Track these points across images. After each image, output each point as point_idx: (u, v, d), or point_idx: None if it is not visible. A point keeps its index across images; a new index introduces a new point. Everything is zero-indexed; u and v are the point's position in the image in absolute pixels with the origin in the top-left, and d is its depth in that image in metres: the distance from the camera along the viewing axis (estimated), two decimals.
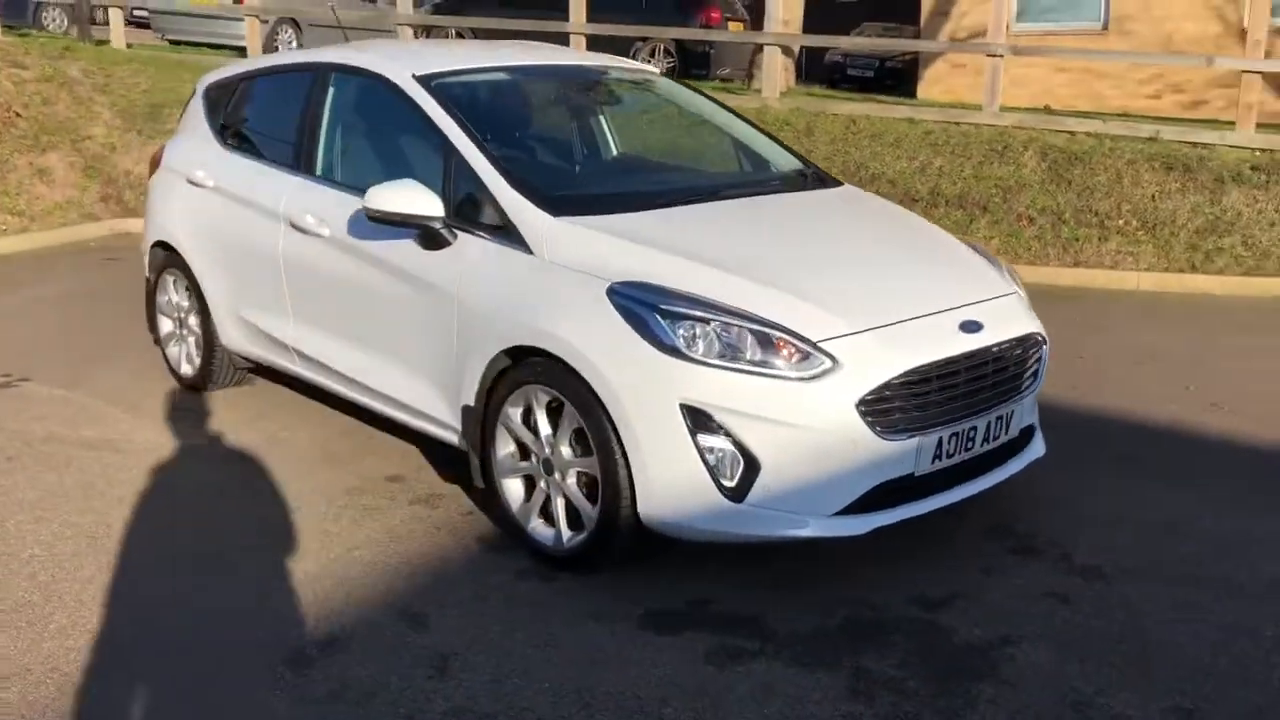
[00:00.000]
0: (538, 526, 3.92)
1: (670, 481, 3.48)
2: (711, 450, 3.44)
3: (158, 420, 5.35)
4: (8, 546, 4.02)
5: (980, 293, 3.93)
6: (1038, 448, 4.14)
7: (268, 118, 5.33)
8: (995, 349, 3.75)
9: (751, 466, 3.43)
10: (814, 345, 3.45)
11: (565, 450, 3.75)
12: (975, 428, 3.72)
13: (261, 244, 4.95)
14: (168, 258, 5.70)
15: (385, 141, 4.75)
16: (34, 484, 4.57)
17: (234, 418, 5.36)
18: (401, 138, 4.60)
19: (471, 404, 4.02)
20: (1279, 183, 8.82)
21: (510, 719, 3.02)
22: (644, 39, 13.77)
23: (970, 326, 3.71)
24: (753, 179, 4.67)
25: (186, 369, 5.76)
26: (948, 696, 3.11)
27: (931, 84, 17.61)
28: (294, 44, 15.94)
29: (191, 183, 5.47)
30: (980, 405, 3.72)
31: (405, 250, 4.21)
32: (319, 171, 4.79)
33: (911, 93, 17.47)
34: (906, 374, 3.49)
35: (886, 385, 3.45)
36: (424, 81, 4.47)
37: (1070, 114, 11.33)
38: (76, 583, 3.76)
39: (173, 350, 5.85)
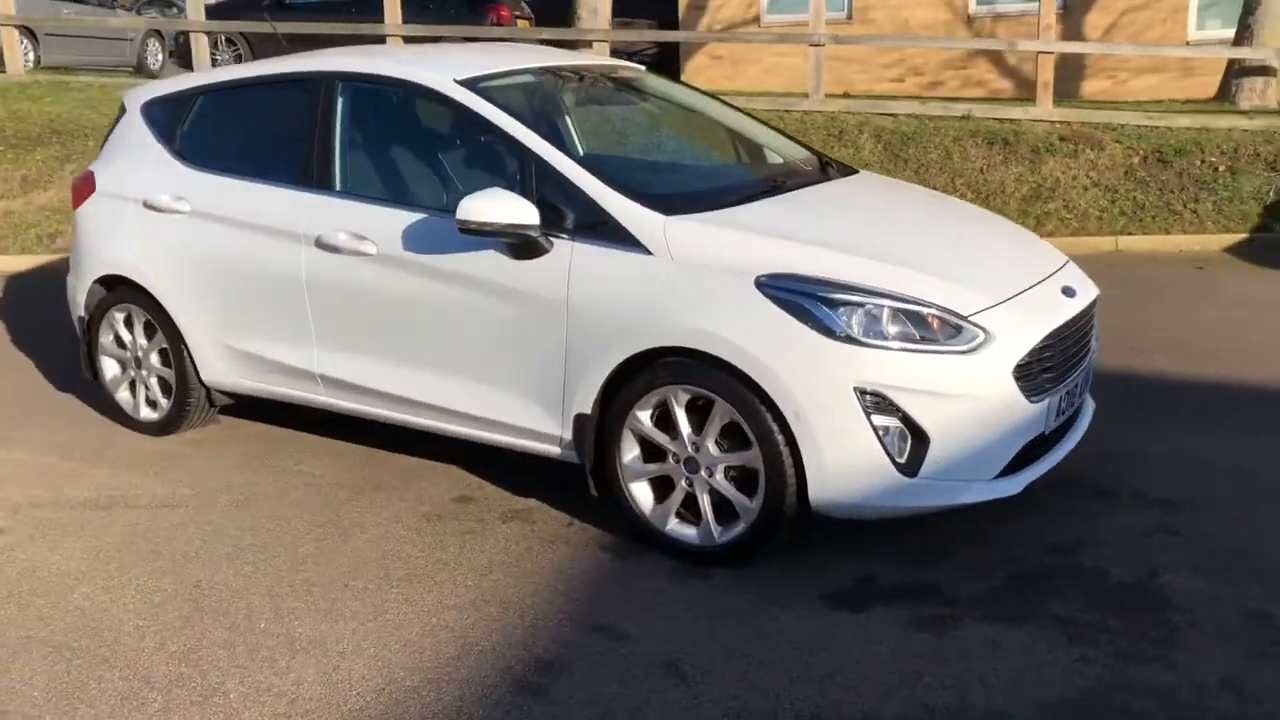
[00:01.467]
0: (676, 526, 3.92)
1: (846, 464, 3.59)
2: (884, 429, 3.57)
3: (147, 471, 4.90)
4: (103, 622, 3.62)
5: (1056, 261, 4.25)
6: (1091, 402, 4.51)
7: (253, 134, 4.97)
8: (1086, 310, 4.07)
9: (921, 440, 3.59)
10: (965, 319, 3.64)
11: (711, 447, 3.78)
12: (1076, 384, 4.03)
13: (271, 267, 4.64)
14: (118, 293, 5.21)
15: (430, 151, 4.56)
16: (69, 554, 4.12)
17: (231, 458, 4.99)
18: (451, 146, 4.44)
19: (588, 411, 3.96)
20: (1085, 151, 9.81)
21: (795, 712, 3.05)
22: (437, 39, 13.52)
23: (1068, 291, 4.02)
24: (798, 169, 4.78)
25: (148, 413, 5.29)
26: (1153, 628, 3.39)
27: (693, 75, 18.19)
28: (30, 55, 14.60)
29: (151, 208, 5.02)
30: (1075, 364, 4.04)
31: (489, 261, 4.08)
32: (346, 187, 4.53)
33: None
34: (1045, 339, 3.75)
35: (1032, 351, 3.70)
36: (469, 86, 4.33)
37: (889, 97, 12.08)
38: (216, 646, 3.45)
39: (124, 395, 5.36)
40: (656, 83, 5.33)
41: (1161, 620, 3.44)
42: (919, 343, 3.59)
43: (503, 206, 3.91)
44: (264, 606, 3.69)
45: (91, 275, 5.27)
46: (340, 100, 4.59)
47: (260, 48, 14.04)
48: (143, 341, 5.22)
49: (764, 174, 4.65)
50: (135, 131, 5.25)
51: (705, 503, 3.84)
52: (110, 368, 5.40)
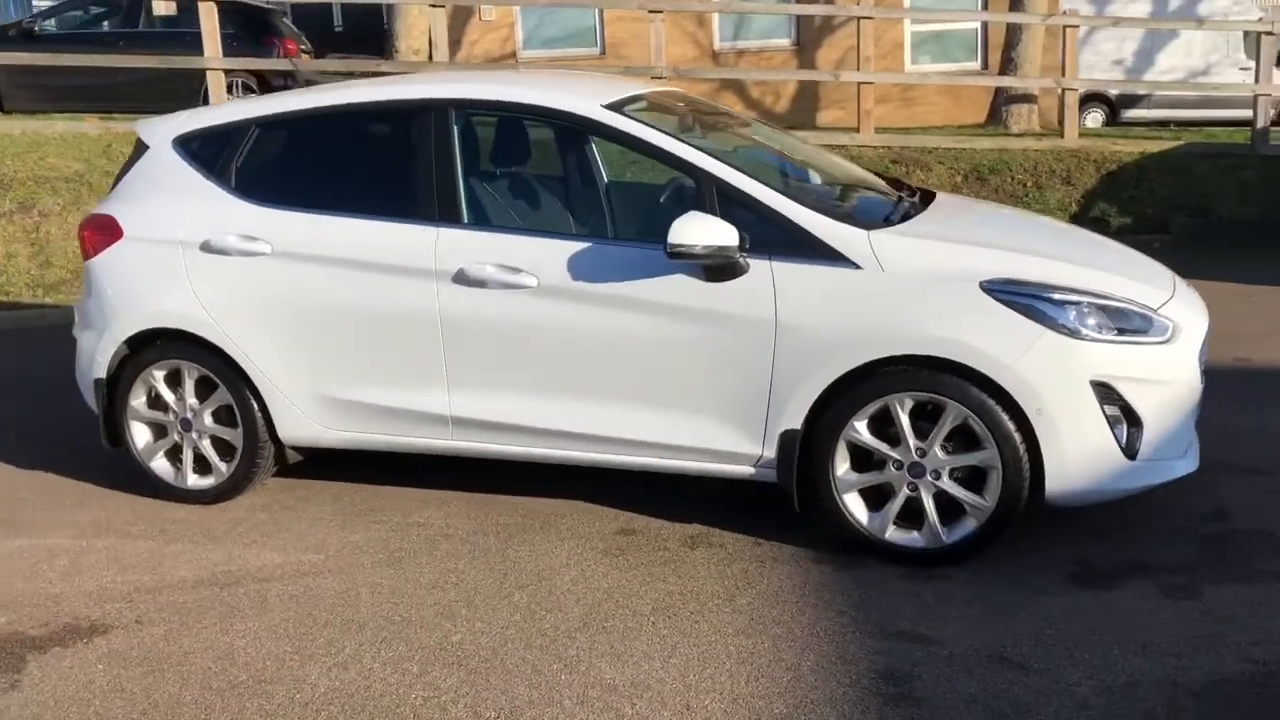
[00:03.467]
0: (895, 533, 4.02)
1: (1083, 454, 3.84)
2: (1112, 418, 3.85)
3: (240, 541, 4.43)
4: (380, 700, 3.28)
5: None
6: None
7: (341, 166, 4.60)
8: None
9: (1137, 425, 3.90)
10: (1155, 312, 3.99)
11: (938, 451, 3.92)
12: None
13: (391, 306, 4.34)
14: (159, 348, 4.68)
15: (581, 178, 4.40)
16: (250, 635, 3.68)
17: (323, 519, 4.61)
18: (604, 172, 4.32)
19: (796, 427, 4.00)
20: (917, 171, 10.66)
21: (1155, 681, 3.24)
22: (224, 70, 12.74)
23: (1183, 283, 4.47)
24: (903, 190, 4.91)
25: (198, 480, 4.77)
26: None
27: None
28: None
29: (214, 251, 4.55)
30: None
31: (677, 285, 4.04)
32: (480, 219, 4.32)
33: None
34: (1207, 328, 4.16)
35: (1203, 339, 4.10)
36: (617, 110, 4.26)
37: None
38: (537, 704, 3.22)
39: (161, 464, 4.80)
40: (717, 108, 5.39)
41: None
42: (1128, 335, 3.90)
43: (710, 229, 3.89)
44: (544, 659, 3.47)
45: (124, 331, 4.68)
46: (461, 128, 4.36)
47: (10, 83, 12.69)
48: (193, 401, 4.70)
49: (888, 193, 4.80)
50: (170, 168, 4.72)
51: (930, 506, 3.96)
52: (141, 434, 4.81)
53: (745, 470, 4.16)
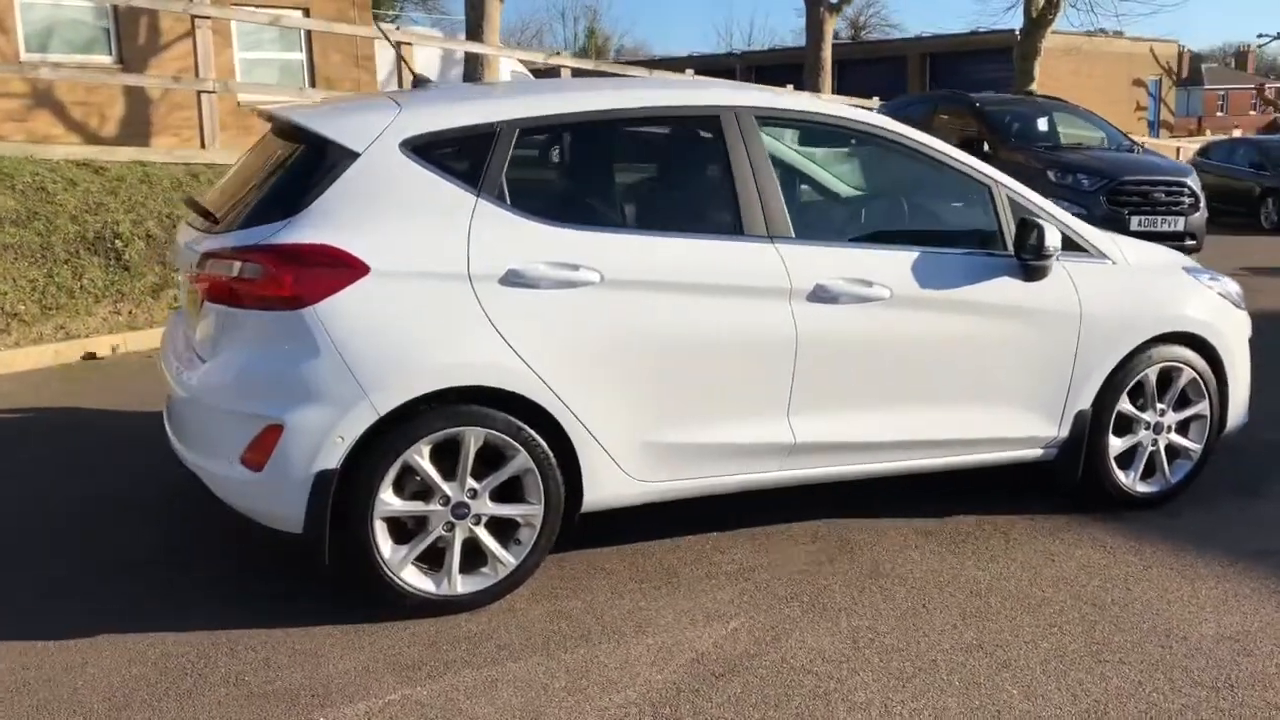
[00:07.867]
0: (1141, 484, 4.76)
1: (1241, 398, 4.96)
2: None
3: (628, 631, 3.65)
4: None
5: None
6: None
7: (652, 179, 3.90)
8: None
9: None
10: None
11: (1170, 410, 4.76)
12: None
13: (747, 332, 3.93)
14: (429, 417, 3.57)
15: (890, 189, 4.31)
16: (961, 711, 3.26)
17: (638, 588, 3.96)
18: (906, 183, 4.35)
19: (1087, 407, 4.54)
20: None
21: None
22: None
23: None
24: None
25: (468, 583, 3.75)
26: None
27: None
28: None
29: (522, 283, 3.63)
30: None
31: (1007, 287, 4.33)
32: (807, 233, 4.06)
33: None
34: None
35: None
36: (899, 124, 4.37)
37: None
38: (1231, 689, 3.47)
39: (412, 574, 3.69)
40: None
41: None
42: (1235, 304, 5.10)
43: (1057, 234, 4.27)
44: (1158, 653, 3.64)
45: (393, 398, 3.45)
46: (759, 141, 4.02)
47: None
48: (472, 483, 3.66)
49: None
50: (415, 182, 3.57)
51: (1162, 456, 4.78)
52: (386, 538, 3.60)
53: (1034, 453, 4.56)
